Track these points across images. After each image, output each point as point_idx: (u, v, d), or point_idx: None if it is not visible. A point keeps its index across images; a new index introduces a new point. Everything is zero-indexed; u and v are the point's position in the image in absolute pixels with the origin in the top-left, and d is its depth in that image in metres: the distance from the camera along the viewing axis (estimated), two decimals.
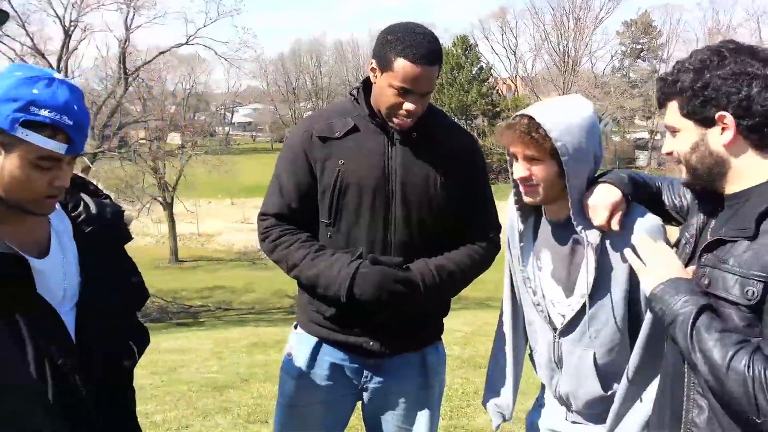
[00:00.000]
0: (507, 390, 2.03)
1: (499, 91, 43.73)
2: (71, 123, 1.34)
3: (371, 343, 2.01)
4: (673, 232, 1.71)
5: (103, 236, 1.53)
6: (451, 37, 42.86)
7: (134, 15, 23.00)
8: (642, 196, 1.75)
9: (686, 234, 1.56)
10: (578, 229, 1.72)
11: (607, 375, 1.78)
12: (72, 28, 21.63)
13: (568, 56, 40.62)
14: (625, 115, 40.15)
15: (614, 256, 1.71)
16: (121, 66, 21.94)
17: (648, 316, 1.65)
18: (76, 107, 1.35)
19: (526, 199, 1.78)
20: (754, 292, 1.29)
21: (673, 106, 1.46)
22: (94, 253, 1.50)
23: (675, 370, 1.49)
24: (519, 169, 1.74)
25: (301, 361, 2.09)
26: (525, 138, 1.69)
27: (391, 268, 1.91)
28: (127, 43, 22.66)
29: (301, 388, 2.08)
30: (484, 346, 6.92)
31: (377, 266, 1.90)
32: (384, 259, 1.93)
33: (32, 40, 20.62)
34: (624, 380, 1.72)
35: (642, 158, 41.52)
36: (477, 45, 43.17)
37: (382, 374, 2.07)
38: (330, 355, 2.06)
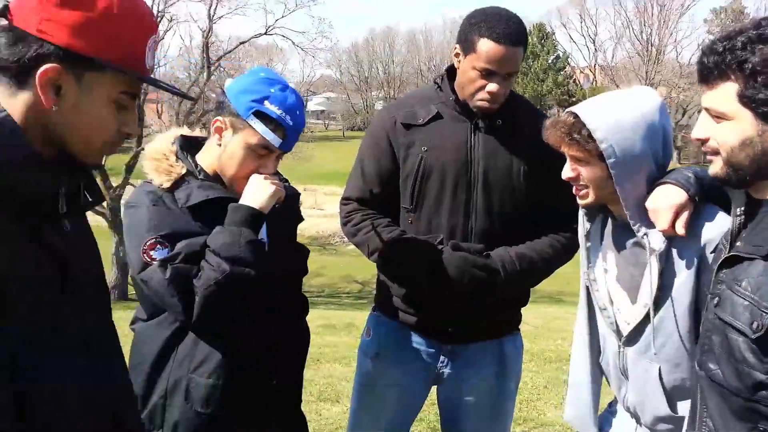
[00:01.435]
0: (585, 404, 1.84)
1: (577, 81, 42.45)
2: (291, 124, 1.62)
3: (449, 329, 2.02)
4: None
5: (285, 214, 1.78)
6: (527, 25, 41.91)
7: (217, 6, 23.71)
8: (713, 195, 1.55)
9: (722, 239, 1.39)
10: (639, 234, 1.57)
11: (673, 392, 1.62)
12: (159, 19, 22.55)
13: (652, 45, 38.87)
14: None
15: (679, 264, 1.54)
16: (204, 55, 22.71)
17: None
18: (297, 113, 1.64)
19: (579, 201, 1.67)
20: (759, 326, 1.15)
21: (728, 88, 1.21)
22: (276, 225, 1.75)
23: (692, 391, 1.38)
24: (566, 170, 1.63)
25: (378, 342, 2.13)
26: (566, 139, 1.57)
27: (472, 254, 1.91)
28: (210, 33, 23.43)
29: (377, 370, 2.13)
30: (554, 341, 6.81)
31: (458, 252, 1.91)
32: (465, 245, 1.93)
33: None
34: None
35: None
36: (554, 33, 42.08)
37: (459, 361, 2.09)
38: (407, 338, 2.09)
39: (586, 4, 43.14)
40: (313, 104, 57.07)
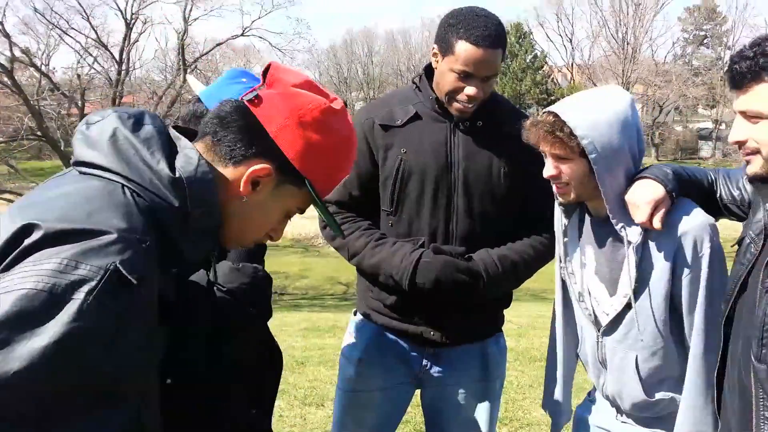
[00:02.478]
0: (559, 392, 1.97)
1: (555, 80, 42.80)
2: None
3: (431, 333, 2.00)
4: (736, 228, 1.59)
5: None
6: (504, 25, 42.16)
7: (192, 7, 23.56)
8: (690, 191, 1.64)
9: (750, 232, 1.42)
10: (618, 227, 1.64)
11: (649, 379, 1.71)
12: (133, 21, 22.32)
13: (627, 43, 39.28)
14: (687, 104, 38.70)
15: (656, 256, 1.62)
16: (180, 57, 22.51)
17: (698, 318, 1.58)
18: None
19: (559, 198, 1.72)
20: None
21: (762, 89, 1.28)
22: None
23: (740, 384, 1.39)
24: (548, 168, 1.67)
25: (360, 347, 2.11)
26: (549, 137, 1.62)
27: (453, 257, 1.90)
28: (185, 35, 23.22)
29: (360, 375, 2.10)
30: (539, 339, 6.83)
31: (440, 255, 1.89)
32: (446, 248, 1.91)
33: (96, 33, 21.38)
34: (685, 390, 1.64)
35: (705, 149, 39.99)
36: (531, 32, 42.35)
37: (442, 364, 2.07)
38: (389, 342, 2.07)
39: (562, 4, 43.56)
40: None
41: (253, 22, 25.39)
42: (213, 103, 1.34)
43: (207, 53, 24.67)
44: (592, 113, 1.60)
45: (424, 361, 2.07)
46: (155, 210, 0.96)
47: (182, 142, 1.05)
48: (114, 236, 0.86)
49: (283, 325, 8.14)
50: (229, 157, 1.05)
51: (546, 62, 42.52)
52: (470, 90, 1.87)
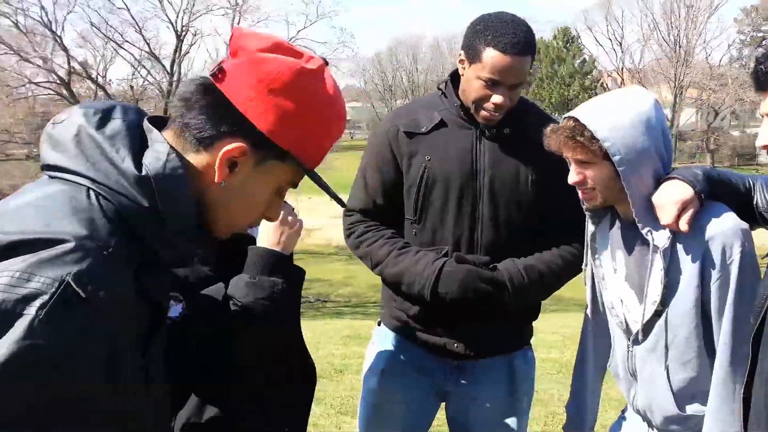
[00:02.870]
0: (583, 404, 1.93)
1: (604, 84, 41.92)
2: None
3: (455, 345, 1.95)
4: None
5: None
6: (552, 30, 41.63)
7: (240, 19, 24.10)
8: (723, 195, 1.59)
9: None
10: (644, 231, 1.59)
11: (681, 392, 1.64)
12: (183, 33, 22.98)
13: (680, 46, 38.17)
14: (744, 109, 37.28)
15: (684, 261, 1.57)
16: None
17: (726, 327, 1.51)
18: None
19: (585, 204, 1.69)
20: None
21: None
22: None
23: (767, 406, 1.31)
24: (572, 174, 1.64)
25: (383, 358, 2.07)
26: (570, 143, 1.59)
27: (477, 267, 1.85)
28: None
29: (383, 386, 2.06)
30: None
31: (463, 265, 1.84)
32: (470, 257, 1.87)
33: (149, 45, 22.10)
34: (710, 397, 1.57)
35: (764, 155, 38.34)
36: (579, 37, 41.66)
37: (466, 377, 2.01)
38: (412, 353, 2.02)
39: (612, 7, 42.66)
40: None
41: (298, 32, 25.74)
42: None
43: None
44: (613, 115, 1.57)
45: (449, 374, 2.02)
46: (124, 213, 0.89)
47: (153, 134, 0.95)
48: (71, 245, 0.80)
49: (324, 333, 8.17)
50: (198, 141, 0.95)
51: (595, 67, 41.72)
52: (497, 98, 1.82)
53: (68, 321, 0.78)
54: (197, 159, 0.96)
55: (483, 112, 1.87)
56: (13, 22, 21.83)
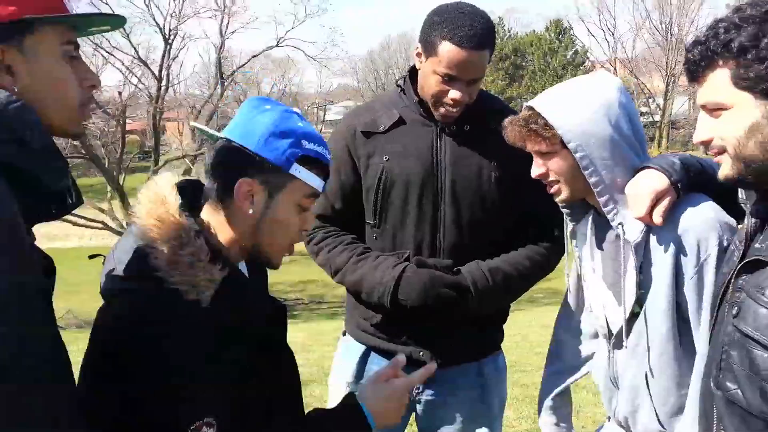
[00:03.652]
0: (553, 403, 1.82)
1: None
2: (329, 158, 1.26)
3: (420, 353, 1.86)
4: None
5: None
6: (544, 22, 41.55)
7: (228, 21, 23.97)
8: (705, 186, 1.45)
9: (736, 239, 1.25)
10: (614, 223, 1.48)
11: (661, 401, 1.51)
12: (172, 37, 22.85)
13: (672, 35, 38.10)
14: None
15: (658, 257, 1.45)
16: (218, 71, 22.95)
17: (703, 327, 1.38)
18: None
19: (555, 198, 1.57)
20: None
21: (719, 76, 1.10)
22: None
23: (703, 407, 1.24)
24: (534, 167, 1.55)
25: (348, 369, 1.99)
26: (525, 132, 1.49)
27: (439, 271, 1.76)
28: (222, 49, 23.66)
29: None
30: None
31: (424, 269, 1.76)
32: (431, 261, 1.78)
33: (136, 50, 21.97)
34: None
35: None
36: (572, 28, 41.53)
37: (435, 386, 1.92)
38: (378, 364, 1.93)
39: None
40: (331, 114, 57.39)
41: (287, 32, 25.56)
42: (250, 139, 1.17)
43: (243, 65, 25.08)
44: (569, 101, 1.47)
45: (417, 384, 1.93)
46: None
47: None
48: None
49: (318, 334, 8.10)
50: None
51: (587, 58, 41.62)
52: (455, 94, 1.74)
53: None
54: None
55: (441, 109, 1.78)
56: None
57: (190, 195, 1.23)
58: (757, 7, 1.06)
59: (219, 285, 1.11)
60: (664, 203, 1.40)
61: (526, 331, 6.68)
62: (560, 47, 40.52)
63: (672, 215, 1.42)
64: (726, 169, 1.14)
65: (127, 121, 21.94)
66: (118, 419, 1.07)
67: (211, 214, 1.21)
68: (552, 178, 1.52)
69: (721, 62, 1.10)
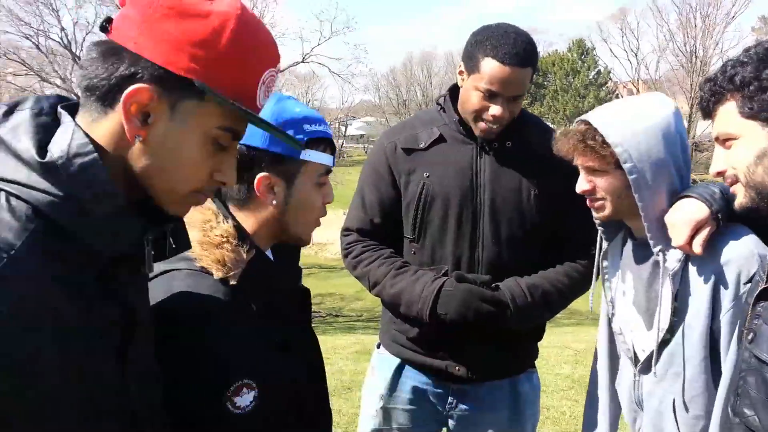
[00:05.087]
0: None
1: (619, 96, 41.67)
2: (330, 132, 1.30)
3: (457, 368, 1.88)
4: None
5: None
6: (566, 42, 41.52)
7: None
8: (742, 215, 1.42)
9: (759, 270, 1.27)
10: (655, 250, 1.47)
11: (690, 428, 1.49)
12: None
13: (696, 56, 37.87)
14: None
15: (696, 287, 1.44)
16: None
17: (730, 357, 1.36)
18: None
19: (596, 214, 1.57)
20: None
21: (727, 109, 1.19)
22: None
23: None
24: (581, 182, 1.54)
25: (383, 382, 2.00)
26: (580, 147, 1.49)
27: (478, 286, 1.78)
28: None
29: (383, 412, 1.99)
30: None
31: (463, 284, 1.78)
32: (471, 276, 1.80)
33: None
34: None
35: None
36: (594, 48, 41.47)
37: (469, 402, 1.93)
38: (413, 377, 1.95)
39: (627, 18, 42.47)
40: (353, 129, 57.70)
41: (312, 49, 25.96)
42: (255, 138, 1.20)
43: None
44: (628, 121, 1.46)
45: (450, 399, 1.94)
46: (41, 207, 0.77)
47: (63, 117, 0.83)
48: None
49: (335, 348, 8.09)
50: (101, 100, 0.82)
51: (610, 78, 41.49)
52: (495, 110, 1.77)
53: None
54: (109, 124, 0.83)
55: (481, 125, 1.81)
56: (34, 43, 22.20)
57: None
58: (761, 46, 1.15)
59: (246, 265, 1.17)
60: (704, 234, 1.40)
61: (546, 352, 6.66)
62: (582, 67, 40.45)
63: (713, 246, 1.41)
64: (740, 197, 1.20)
65: None
66: (169, 387, 1.08)
67: (234, 212, 1.26)
68: (599, 195, 1.52)
69: (728, 96, 1.18)
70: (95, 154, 0.80)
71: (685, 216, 1.41)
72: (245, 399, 1.12)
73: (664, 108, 1.49)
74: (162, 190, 0.88)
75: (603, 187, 1.50)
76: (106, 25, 0.85)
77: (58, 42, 22.84)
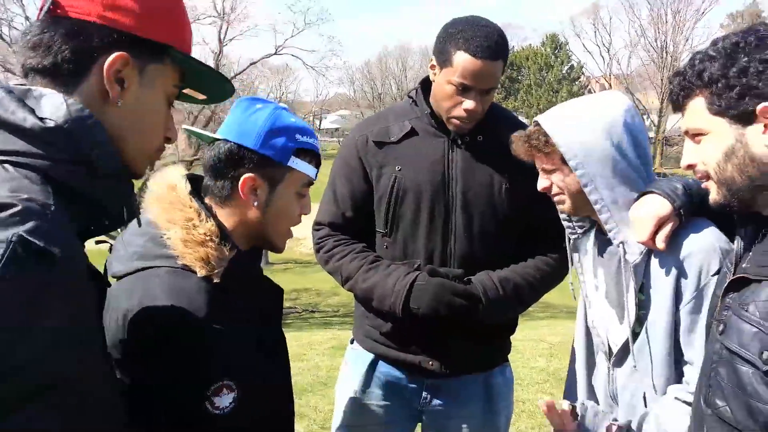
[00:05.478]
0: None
1: (592, 90, 42.15)
2: (319, 147, 1.35)
3: (430, 362, 1.87)
4: None
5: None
6: (539, 37, 41.86)
7: (227, 28, 24.03)
8: (705, 209, 1.42)
9: (727, 262, 1.28)
10: (616, 243, 1.50)
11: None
12: None
13: (666, 52, 38.48)
14: None
15: (659, 279, 1.46)
16: None
17: (690, 357, 1.39)
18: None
19: (560, 208, 1.61)
20: None
21: (696, 104, 1.18)
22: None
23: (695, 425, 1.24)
24: (540, 180, 1.59)
25: (356, 378, 1.98)
26: (526, 147, 1.53)
27: (450, 280, 1.77)
28: (220, 56, 23.69)
29: (357, 408, 1.98)
30: None
31: (435, 278, 1.76)
32: (443, 270, 1.79)
33: None
34: None
35: None
36: (567, 43, 41.89)
37: (442, 396, 1.93)
38: (386, 373, 1.94)
39: (599, 14, 42.94)
40: (327, 122, 57.51)
41: (285, 40, 25.79)
42: (249, 138, 1.25)
43: (241, 72, 25.11)
44: (574, 119, 1.50)
45: (424, 394, 1.93)
46: (51, 173, 0.79)
47: (34, 90, 0.85)
48: (17, 207, 0.71)
49: (311, 343, 8.05)
50: (74, 75, 0.86)
51: (583, 73, 41.95)
52: (468, 104, 1.75)
53: (24, 279, 0.70)
54: (83, 95, 0.87)
55: (454, 120, 1.80)
56: None
57: (197, 185, 1.30)
58: (728, 40, 1.13)
59: (228, 264, 1.18)
60: (667, 229, 1.42)
61: (521, 346, 6.71)
62: (556, 62, 40.85)
63: (675, 240, 1.43)
64: (713, 194, 1.20)
65: None
66: (142, 387, 1.09)
67: (213, 208, 1.27)
68: (555, 191, 1.56)
69: (697, 91, 1.17)
70: (94, 117, 0.84)
71: (649, 212, 1.43)
72: (225, 400, 1.13)
73: (614, 106, 1.50)
74: (135, 150, 0.93)
75: (558, 184, 1.54)
76: (51, 8, 0.87)
77: (22, 32, 22.31)
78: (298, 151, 1.27)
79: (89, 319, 0.82)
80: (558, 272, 1.89)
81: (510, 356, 2.06)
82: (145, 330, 1.10)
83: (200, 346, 1.12)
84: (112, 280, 1.20)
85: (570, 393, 1.82)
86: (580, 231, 1.69)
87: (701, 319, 1.40)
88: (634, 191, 1.49)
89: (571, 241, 1.69)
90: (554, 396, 4.97)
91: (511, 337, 2.05)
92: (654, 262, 1.48)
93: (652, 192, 1.47)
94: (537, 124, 1.53)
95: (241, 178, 1.24)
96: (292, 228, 1.35)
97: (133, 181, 0.98)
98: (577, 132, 1.48)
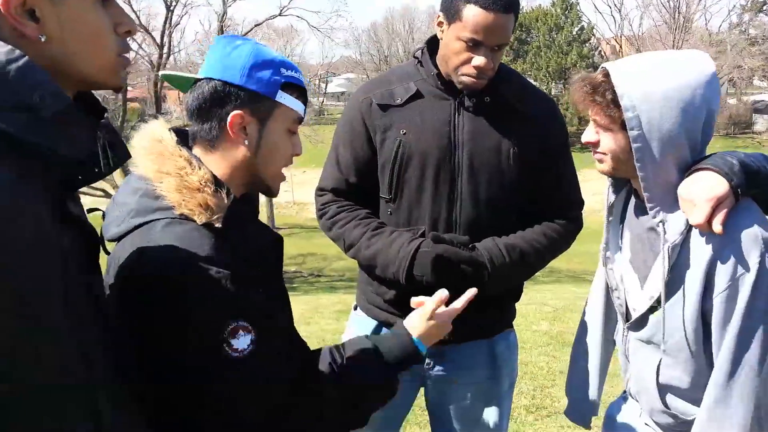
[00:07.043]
0: (586, 382, 1.79)
1: (602, 52, 41.39)
2: (305, 82, 1.28)
3: None
4: None
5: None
6: None
7: None
8: (760, 189, 1.33)
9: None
10: (655, 221, 1.39)
11: (668, 390, 1.50)
12: (174, 4, 22.51)
13: (679, 12, 37.58)
14: (742, 76, 36.91)
15: (695, 262, 1.35)
16: None
17: (728, 343, 1.32)
18: None
19: (597, 166, 1.49)
20: None
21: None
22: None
23: None
24: (587, 132, 1.47)
25: None
26: (587, 100, 1.40)
27: (455, 247, 1.74)
28: (224, 17, 23.32)
29: None
30: (575, 322, 6.54)
31: (440, 245, 1.73)
32: (448, 237, 1.76)
33: (138, 17, 21.64)
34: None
35: (761, 122, 38.05)
36: (578, 3, 40.95)
37: (446, 363, 1.92)
38: None
39: None
40: (333, 86, 56.88)
41: (290, 1, 25.29)
42: (232, 74, 1.18)
43: (246, 34, 24.72)
44: (650, 82, 1.33)
45: (428, 360, 1.92)
46: None
47: None
48: None
49: (317, 307, 8.12)
50: None
51: (593, 34, 41.13)
52: (479, 60, 1.69)
53: None
54: (8, 35, 0.79)
55: (464, 78, 1.73)
56: None
57: (182, 136, 1.25)
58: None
59: (227, 210, 1.14)
60: (725, 211, 1.29)
61: (524, 309, 6.74)
62: (566, 23, 40.00)
63: (726, 224, 1.30)
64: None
65: (128, 88, 21.71)
66: (157, 339, 1.07)
67: (202, 155, 1.22)
68: (600, 149, 1.46)
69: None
70: (26, 57, 0.76)
71: (704, 192, 1.29)
72: (242, 342, 1.09)
73: (696, 73, 1.34)
74: (91, 68, 0.86)
75: (605, 145, 1.43)
76: None
77: None
78: (284, 86, 1.22)
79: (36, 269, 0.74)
80: (564, 239, 1.86)
81: (514, 321, 2.05)
82: (152, 280, 1.06)
83: (210, 288, 1.07)
84: (111, 247, 1.17)
85: (579, 345, 1.82)
86: (618, 189, 1.61)
87: (738, 310, 1.31)
88: (681, 168, 1.38)
89: (612, 198, 1.61)
90: (556, 358, 5.01)
91: (515, 304, 2.03)
92: (693, 242, 1.37)
93: (706, 168, 1.33)
94: (606, 75, 1.38)
95: (229, 116, 1.18)
96: (283, 175, 1.28)
97: (111, 124, 0.93)
98: (651, 100, 1.32)
